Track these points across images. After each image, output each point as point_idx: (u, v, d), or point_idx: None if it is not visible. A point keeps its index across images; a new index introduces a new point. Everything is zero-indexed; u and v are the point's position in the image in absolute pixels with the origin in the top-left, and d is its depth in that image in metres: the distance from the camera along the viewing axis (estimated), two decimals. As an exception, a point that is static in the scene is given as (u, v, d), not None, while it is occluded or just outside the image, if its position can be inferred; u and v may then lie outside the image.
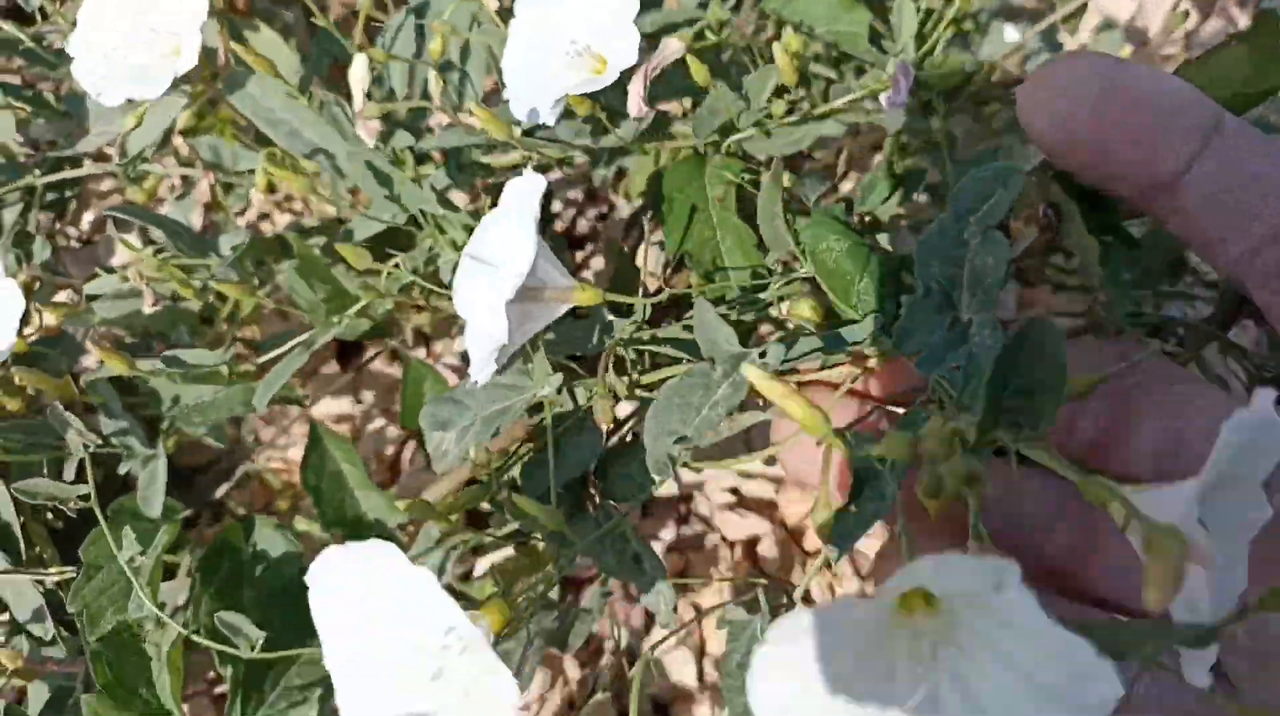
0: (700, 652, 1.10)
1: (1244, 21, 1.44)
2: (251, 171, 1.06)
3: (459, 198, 0.93)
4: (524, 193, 0.59)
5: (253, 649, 0.72)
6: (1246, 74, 0.57)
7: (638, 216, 1.07)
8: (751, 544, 1.17)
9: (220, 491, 0.93)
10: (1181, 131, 0.45)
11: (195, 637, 0.71)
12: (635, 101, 0.69)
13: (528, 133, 0.77)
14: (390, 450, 1.20)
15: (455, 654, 0.49)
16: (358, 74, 0.80)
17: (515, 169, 0.88)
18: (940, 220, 0.50)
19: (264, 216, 1.29)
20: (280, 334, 0.99)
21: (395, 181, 0.76)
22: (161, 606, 0.75)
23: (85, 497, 0.77)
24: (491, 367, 0.58)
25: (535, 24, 0.75)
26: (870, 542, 0.74)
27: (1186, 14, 1.40)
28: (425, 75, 0.89)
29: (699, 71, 0.70)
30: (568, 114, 0.74)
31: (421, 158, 0.88)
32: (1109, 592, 0.51)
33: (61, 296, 1.09)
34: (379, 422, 1.20)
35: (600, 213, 1.34)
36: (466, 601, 0.67)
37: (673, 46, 0.70)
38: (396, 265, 0.73)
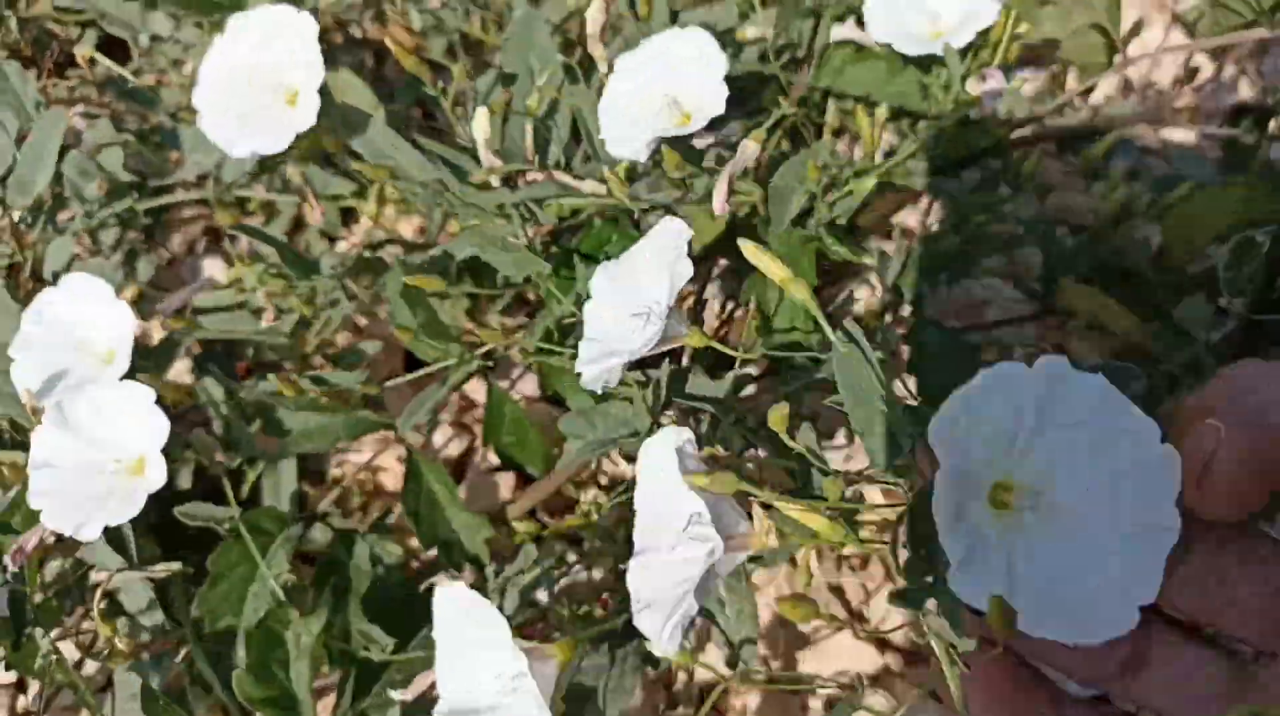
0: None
1: (1252, 71, 1.51)
2: (337, 197, 1.15)
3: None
4: (672, 233, 0.65)
5: (384, 650, 0.82)
6: (1238, 210, 0.67)
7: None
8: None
9: (323, 506, 1.02)
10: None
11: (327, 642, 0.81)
12: (719, 202, 0.77)
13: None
14: (455, 453, 1.29)
15: (509, 693, 0.59)
16: (481, 127, 0.87)
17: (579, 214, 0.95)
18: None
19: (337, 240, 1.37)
20: (354, 350, 1.09)
21: (503, 242, 0.84)
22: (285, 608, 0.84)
23: (233, 518, 0.86)
24: (598, 372, 0.65)
25: (633, 75, 0.88)
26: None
27: (1196, 70, 1.47)
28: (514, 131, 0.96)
29: (814, 173, 0.80)
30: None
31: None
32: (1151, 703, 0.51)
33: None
34: (446, 431, 1.29)
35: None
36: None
37: (750, 149, 0.78)
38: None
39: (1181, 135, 1.52)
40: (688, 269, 0.62)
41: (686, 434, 0.54)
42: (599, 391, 0.66)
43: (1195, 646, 0.51)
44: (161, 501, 0.87)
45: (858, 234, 1.02)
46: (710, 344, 0.65)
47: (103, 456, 0.83)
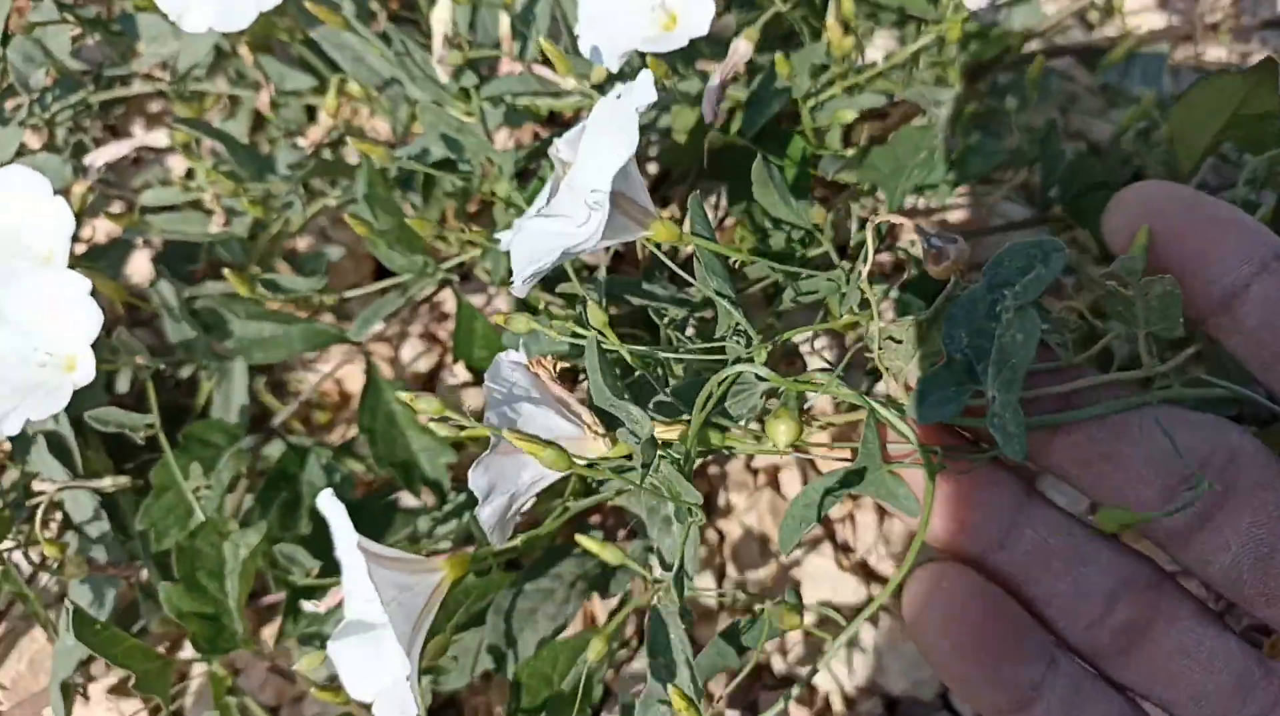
0: (720, 575, 1.15)
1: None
2: (298, 93, 1.08)
3: (506, 141, 0.95)
4: (622, 98, 0.59)
5: (307, 573, 0.77)
6: (1242, 96, 0.62)
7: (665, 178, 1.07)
8: (774, 472, 1.21)
9: (278, 420, 0.96)
10: (1241, 253, 0.47)
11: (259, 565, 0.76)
12: (709, 107, 0.71)
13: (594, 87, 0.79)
14: (425, 368, 1.23)
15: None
16: (441, 17, 0.81)
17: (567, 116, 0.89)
18: (973, 289, 0.50)
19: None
20: (316, 255, 1.03)
21: (460, 124, 0.77)
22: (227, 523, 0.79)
23: (151, 426, 0.81)
24: (536, 274, 0.59)
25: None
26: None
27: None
28: (488, 20, 0.89)
29: (785, 67, 0.72)
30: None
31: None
32: (1146, 687, 0.50)
33: (114, 209, 1.12)
34: (416, 344, 1.23)
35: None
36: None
37: (741, 49, 0.71)
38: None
39: (1214, 52, 1.44)
40: (628, 142, 0.54)
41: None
42: (524, 292, 0.60)
43: (1207, 625, 0.49)
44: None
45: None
46: (685, 239, 0.59)
47: (32, 348, 0.78)
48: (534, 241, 0.61)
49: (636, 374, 0.63)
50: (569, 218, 0.59)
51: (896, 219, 0.57)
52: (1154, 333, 0.49)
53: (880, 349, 0.53)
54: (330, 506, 0.54)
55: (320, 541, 0.84)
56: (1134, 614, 0.49)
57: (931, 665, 0.50)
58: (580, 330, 0.63)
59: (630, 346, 0.61)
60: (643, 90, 0.58)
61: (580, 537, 0.66)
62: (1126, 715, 0.50)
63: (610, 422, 0.58)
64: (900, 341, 0.53)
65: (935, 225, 1.17)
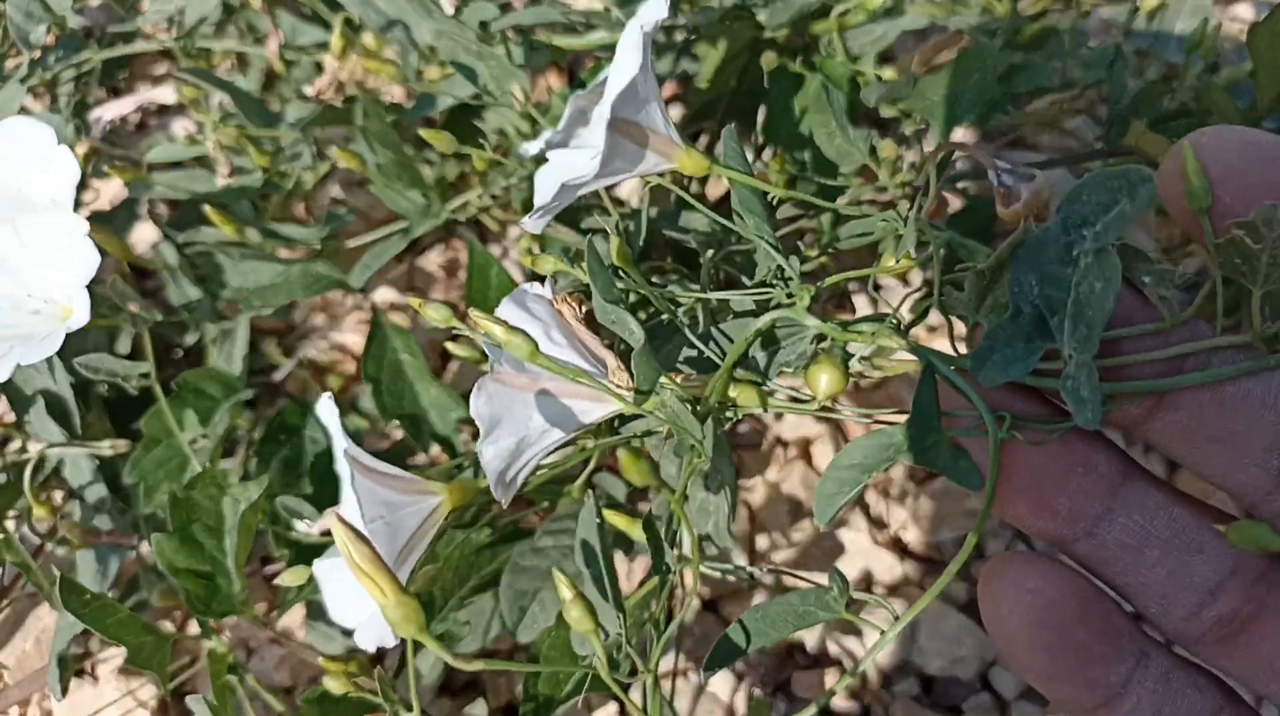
0: (750, 550, 1.10)
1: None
2: (308, 48, 1.04)
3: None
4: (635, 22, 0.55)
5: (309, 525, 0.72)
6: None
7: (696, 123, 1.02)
8: (806, 444, 1.16)
9: (280, 375, 0.92)
10: None
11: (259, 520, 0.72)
12: None
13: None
14: (444, 335, 1.19)
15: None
16: None
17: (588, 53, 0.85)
18: (1045, 228, 0.43)
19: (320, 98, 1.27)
20: (328, 217, 0.98)
21: (480, 48, 0.73)
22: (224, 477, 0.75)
23: (145, 376, 0.76)
24: (550, 208, 0.55)
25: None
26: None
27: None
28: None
29: None
30: None
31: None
32: (1247, 679, 0.46)
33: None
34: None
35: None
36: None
37: None
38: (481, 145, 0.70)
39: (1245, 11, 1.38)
40: (632, 62, 0.49)
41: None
42: (538, 228, 0.56)
43: None
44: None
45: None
46: (716, 171, 0.53)
47: (26, 294, 0.74)
48: (556, 175, 0.57)
49: (664, 318, 0.58)
50: (595, 149, 0.55)
51: (963, 149, 0.52)
52: (1274, 291, 0.41)
53: (942, 297, 0.48)
54: (327, 412, 0.50)
55: (325, 498, 0.79)
56: (1237, 607, 0.44)
57: (1009, 660, 0.45)
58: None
59: (655, 288, 0.56)
60: (653, 7, 0.53)
61: (608, 513, 0.61)
62: (1220, 706, 0.45)
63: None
64: (962, 289, 0.47)
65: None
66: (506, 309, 0.55)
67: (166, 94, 1.11)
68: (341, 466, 0.49)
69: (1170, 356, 0.43)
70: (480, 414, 0.52)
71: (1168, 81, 0.80)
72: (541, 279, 0.58)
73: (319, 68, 1.04)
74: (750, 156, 0.89)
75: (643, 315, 0.63)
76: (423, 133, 0.71)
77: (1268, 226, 0.38)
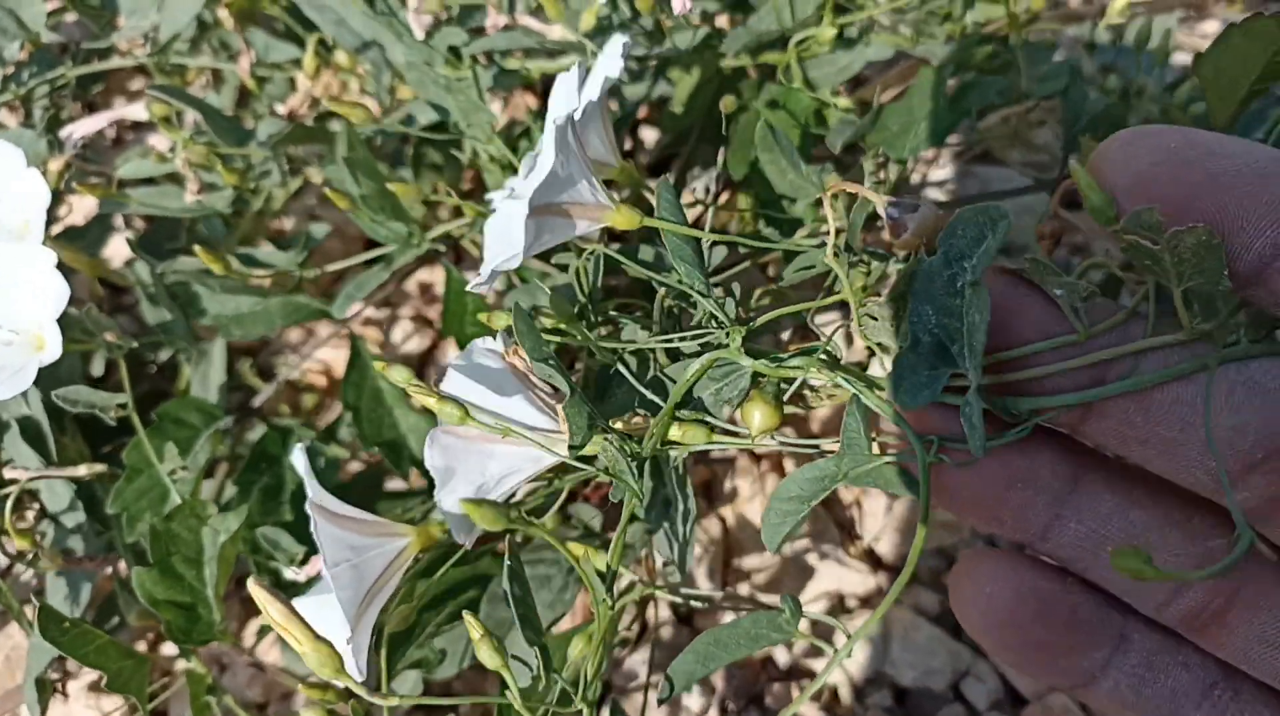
0: (725, 566, 1.11)
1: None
2: (282, 65, 1.04)
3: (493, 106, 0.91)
4: (561, 86, 0.57)
5: (291, 562, 0.73)
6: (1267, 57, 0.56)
7: (673, 148, 1.03)
8: (778, 458, 1.17)
9: (258, 400, 0.92)
10: (1267, 209, 0.38)
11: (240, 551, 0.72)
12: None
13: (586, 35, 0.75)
14: (416, 351, 1.19)
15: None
16: None
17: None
18: (930, 262, 0.45)
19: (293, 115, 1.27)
20: (300, 235, 0.98)
21: (448, 81, 0.73)
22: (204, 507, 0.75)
23: (123, 406, 0.76)
24: (494, 273, 0.57)
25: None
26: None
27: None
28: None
29: None
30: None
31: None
32: (1232, 661, 0.45)
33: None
34: (406, 327, 1.19)
35: (625, 151, 1.31)
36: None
37: None
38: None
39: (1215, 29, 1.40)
40: (549, 157, 0.52)
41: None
42: (486, 290, 0.57)
43: None
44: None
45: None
46: (650, 224, 0.55)
47: (-5, 324, 0.74)
48: (503, 230, 0.58)
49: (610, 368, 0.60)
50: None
51: (851, 188, 0.53)
52: (1193, 288, 0.41)
53: (861, 326, 0.49)
54: (299, 460, 0.50)
55: (305, 526, 0.79)
56: (1206, 600, 0.44)
57: (986, 651, 0.46)
58: (551, 324, 0.60)
59: (600, 340, 0.58)
60: (610, 61, 0.55)
61: (571, 546, 0.62)
62: (1214, 681, 0.46)
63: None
64: (877, 318, 0.48)
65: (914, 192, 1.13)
66: (461, 362, 0.57)
67: (141, 110, 1.10)
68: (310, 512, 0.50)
69: (1087, 363, 0.43)
70: (435, 466, 0.54)
71: (1128, 98, 0.81)
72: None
73: (292, 84, 1.04)
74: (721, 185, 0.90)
75: (599, 356, 0.64)
76: (391, 186, 0.72)
77: (1151, 229, 0.39)
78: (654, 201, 0.56)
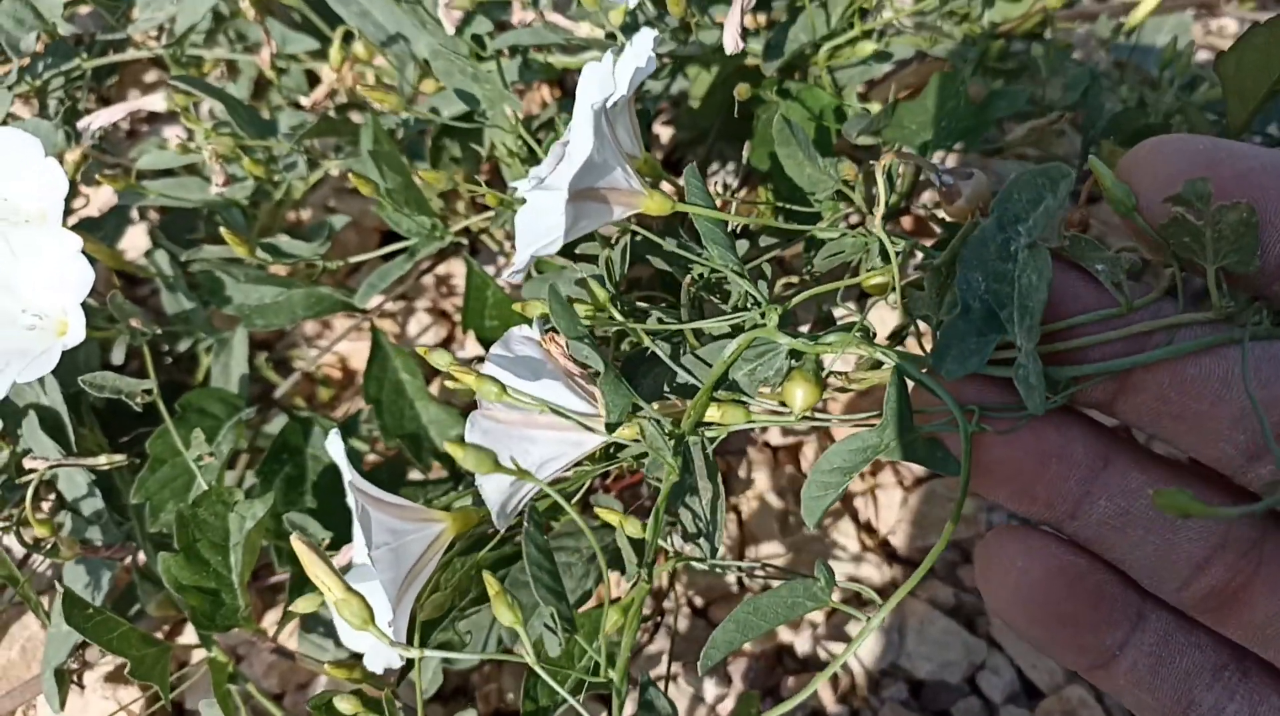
0: (740, 554, 1.11)
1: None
2: (300, 56, 1.04)
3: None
4: (590, 75, 0.57)
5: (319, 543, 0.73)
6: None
7: (689, 145, 1.03)
8: (795, 449, 1.18)
9: (280, 391, 0.92)
10: None
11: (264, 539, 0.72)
12: (731, 36, 0.68)
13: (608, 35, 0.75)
14: (432, 343, 1.19)
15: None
16: None
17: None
18: (983, 228, 0.45)
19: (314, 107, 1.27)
20: (319, 225, 0.98)
21: (475, 72, 0.73)
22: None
23: (149, 392, 0.76)
24: (531, 259, 0.57)
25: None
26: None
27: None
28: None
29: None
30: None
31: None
32: (1247, 643, 0.46)
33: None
34: (423, 319, 1.19)
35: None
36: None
37: None
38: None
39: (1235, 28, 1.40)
40: (586, 139, 0.52)
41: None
42: (520, 279, 0.58)
43: None
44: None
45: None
46: (682, 209, 0.56)
47: (20, 310, 0.74)
48: (535, 220, 0.58)
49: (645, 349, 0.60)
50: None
51: (907, 156, 0.53)
52: (1226, 267, 0.43)
53: (905, 300, 0.49)
54: (335, 445, 0.51)
55: (328, 514, 0.80)
56: (1228, 578, 0.45)
57: (1009, 629, 0.47)
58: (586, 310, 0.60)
59: (634, 323, 0.58)
60: (640, 52, 0.55)
61: (599, 508, 0.62)
62: (1224, 662, 0.47)
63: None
64: (922, 289, 0.49)
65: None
66: (499, 351, 0.57)
67: (157, 101, 1.10)
68: (350, 497, 0.50)
69: (1127, 336, 0.44)
70: None
71: (1144, 103, 0.81)
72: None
73: (310, 78, 1.04)
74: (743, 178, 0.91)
75: (626, 346, 0.64)
76: (421, 174, 0.72)
77: (1201, 200, 0.40)
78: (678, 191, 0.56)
